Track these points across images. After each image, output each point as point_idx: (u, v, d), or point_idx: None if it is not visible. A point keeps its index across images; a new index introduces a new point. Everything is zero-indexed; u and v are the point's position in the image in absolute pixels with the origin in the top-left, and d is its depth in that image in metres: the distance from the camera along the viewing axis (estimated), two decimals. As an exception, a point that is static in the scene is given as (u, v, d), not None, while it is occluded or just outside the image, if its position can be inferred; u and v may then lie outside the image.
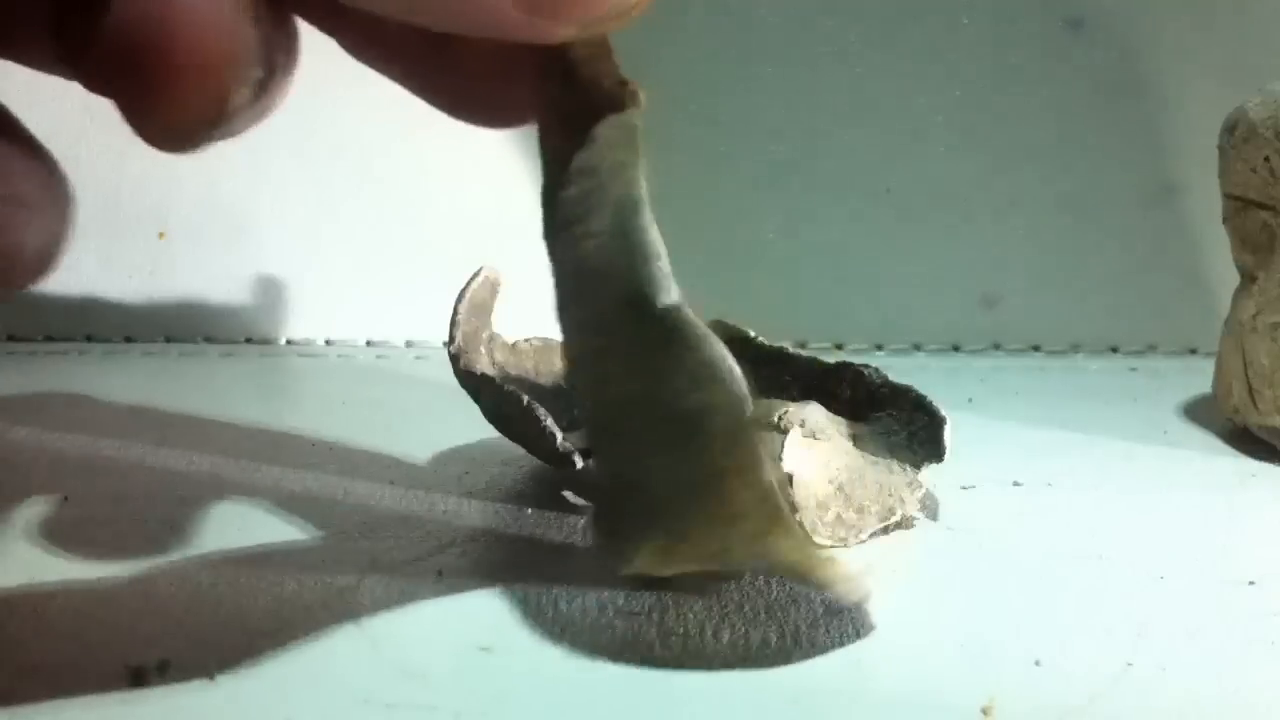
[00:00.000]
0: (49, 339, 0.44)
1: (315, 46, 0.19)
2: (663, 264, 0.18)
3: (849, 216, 0.46)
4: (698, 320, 0.18)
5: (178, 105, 0.19)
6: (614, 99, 0.19)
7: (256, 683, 0.19)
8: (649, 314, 0.18)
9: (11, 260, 0.19)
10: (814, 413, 0.27)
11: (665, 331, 0.18)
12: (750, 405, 0.21)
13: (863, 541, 0.25)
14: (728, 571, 0.22)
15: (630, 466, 0.20)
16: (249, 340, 0.45)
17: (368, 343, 0.46)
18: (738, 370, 0.18)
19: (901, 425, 0.27)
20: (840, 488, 0.26)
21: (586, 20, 0.17)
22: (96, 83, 0.20)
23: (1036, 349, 0.46)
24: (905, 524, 0.26)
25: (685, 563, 0.20)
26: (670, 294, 0.18)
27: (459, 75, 0.19)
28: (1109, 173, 0.45)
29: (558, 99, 0.20)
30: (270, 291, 0.46)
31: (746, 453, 0.18)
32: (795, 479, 0.25)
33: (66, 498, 0.27)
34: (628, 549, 0.21)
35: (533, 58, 0.19)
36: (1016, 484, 0.29)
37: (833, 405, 0.28)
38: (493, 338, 0.30)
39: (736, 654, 0.20)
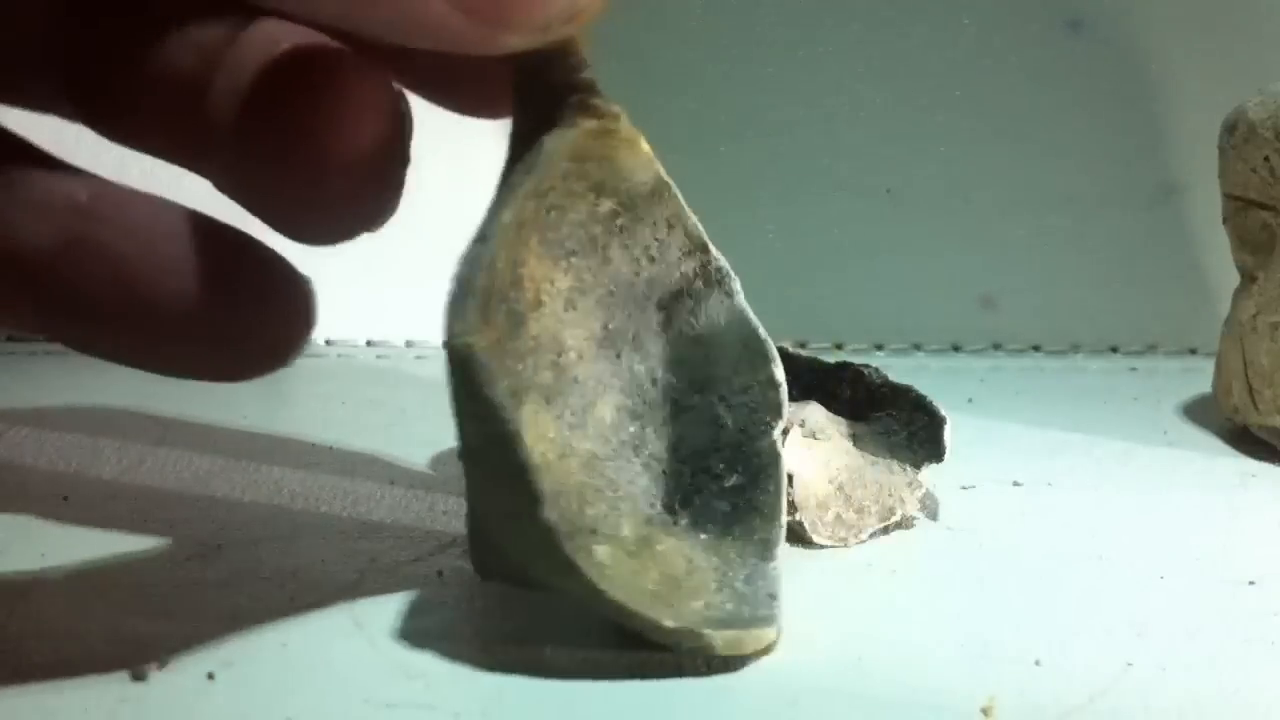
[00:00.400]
0: (49, 339, 0.44)
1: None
2: (472, 299, 0.18)
3: (849, 216, 0.46)
4: (491, 359, 0.18)
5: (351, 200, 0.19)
6: (550, 116, 0.19)
7: (256, 682, 0.19)
8: (449, 345, 0.18)
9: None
10: (814, 413, 0.27)
11: (455, 365, 0.18)
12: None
13: (863, 541, 0.25)
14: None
15: (468, 485, 0.20)
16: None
17: (368, 343, 0.46)
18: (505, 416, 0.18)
19: (901, 425, 0.27)
20: (840, 488, 0.26)
21: (531, 27, 0.17)
22: (169, 152, 0.20)
23: (1036, 349, 0.46)
24: (905, 524, 0.26)
25: (526, 584, 0.21)
26: (464, 329, 0.18)
27: (441, 66, 0.19)
28: (1109, 173, 0.45)
29: (516, 113, 0.20)
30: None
31: (524, 495, 0.18)
32: (795, 479, 0.25)
33: (66, 498, 0.27)
34: (482, 562, 0.21)
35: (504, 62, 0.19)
36: (1016, 484, 0.29)
37: (833, 405, 0.28)
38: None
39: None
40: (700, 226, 0.21)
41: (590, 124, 0.19)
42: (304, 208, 0.19)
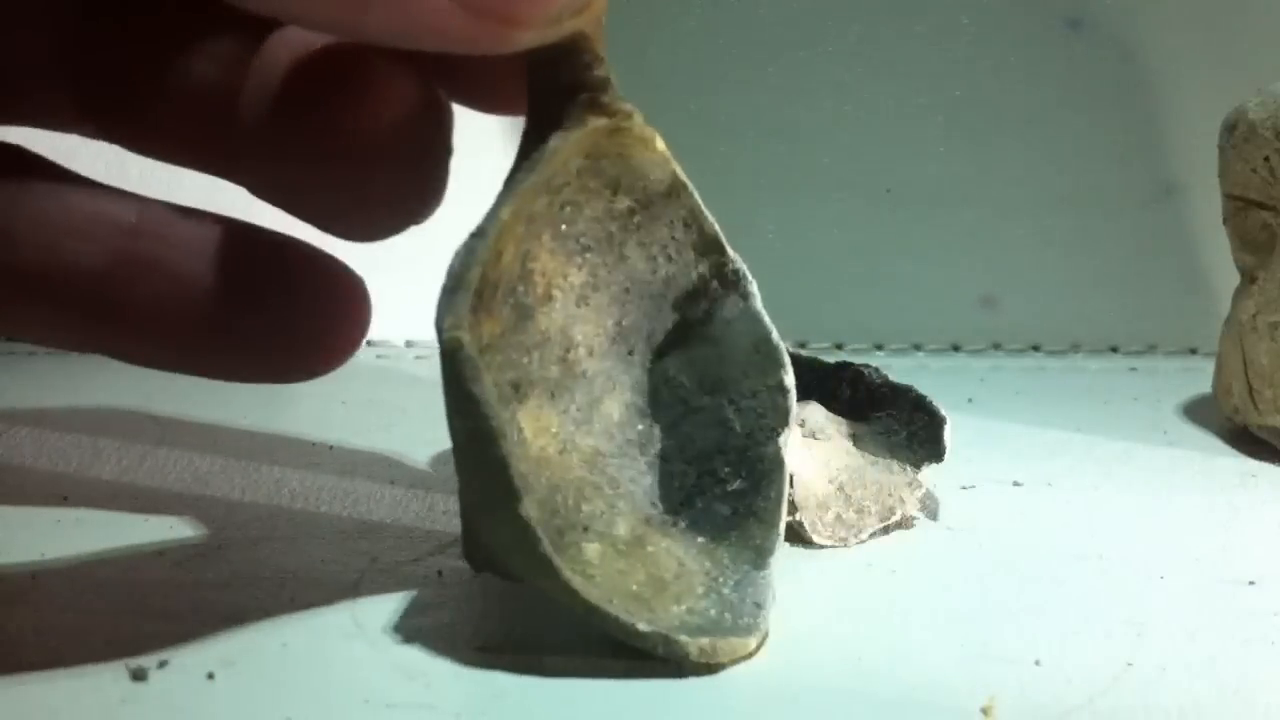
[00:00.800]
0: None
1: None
2: (464, 293, 0.18)
3: (849, 216, 0.46)
4: (479, 354, 0.18)
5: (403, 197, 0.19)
6: (560, 115, 0.19)
7: (256, 683, 0.19)
8: (439, 338, 0.18)
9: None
10: (814, 413, 0.27)
11: (444, 358, 0.18)
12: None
13: (863, 541, 0.25)
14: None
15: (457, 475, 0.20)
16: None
17: (368, 343, 0.46)
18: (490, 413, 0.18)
19: (901, 425, 0.27)
20: (840, 488, 0.26)
21: (539, 21, 0.16)
22: (204, 162, 0.20)
23: (1036, 349, 0.46)
24: (905, 524, 0.26)
25: (509, 576, 0.21)
26: (455, 323, 0.18)
27: (456, 62, 0.19)
28: (1109, 173, 0.45)
29: (529, 112, 0.20)
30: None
31: (503, 491, 0.18)
32: (795, 479, 0.25)
33: (66, 498, 0.27)
34: (470, 553, 0.22)
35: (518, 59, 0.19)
36: (1016, 484, 0.29)
37: (833, 405, 0.28)
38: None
39: (736, 654, 0.20)
40: (718, 227, 0.21)
41: (600, 122, 0.19)
42: (345, 204, 0.19)
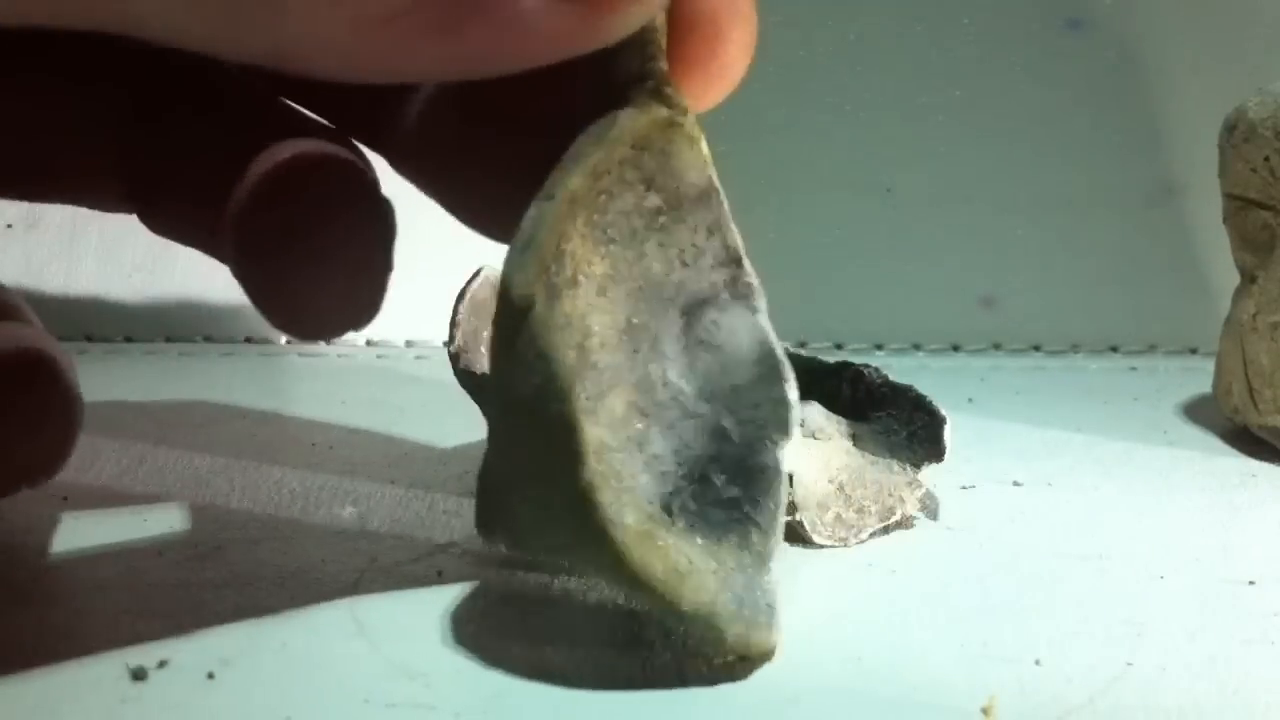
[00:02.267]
0: None
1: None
2: (534, 252, 0.18)
3: (849, 216, 0.46)
4: (553, 324, 0.18)
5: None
6: (620, 97, 0.19)
7: (256, 682, 0.19)
8: (506, 296, 0.18)
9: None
10: (814, 413, 0.27)
11: (510, 316, 0.18)
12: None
13: (863, 541, 0.25)
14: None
15: (494, 444, 0.20)
16: (249, 340, 0.45)
17: (368, 343, 0.46)
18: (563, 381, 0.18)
19: (901, 425, 0.27)
20: (840, 488, 0.26)
21: (631, 7, 0.17)
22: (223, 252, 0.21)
23: (1036, 349, 0.46)
24: (905, 524, 0.26)
25: (534, 549, 0.21)
26: (526, 280, 0.18)
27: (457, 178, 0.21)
28: (1109, 173, 0.45)
29: (586, 102, 0.20)
30: (270, 291, 0.45)
31: (565, 452, 0.18)
32: (795, 479, 0.25)
33: (66, 498, 0.27)
34: (487, 523, 0.21)
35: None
36: (1016, 484, 0.29)
37: (833, 405, 0.28)
38: (493, 338, 0.30)
39: (736, 654, 0.20)
40: (739, 239, 0.21)
41: (662, 112, 0.19)
42: (297, 304, 0.20)
